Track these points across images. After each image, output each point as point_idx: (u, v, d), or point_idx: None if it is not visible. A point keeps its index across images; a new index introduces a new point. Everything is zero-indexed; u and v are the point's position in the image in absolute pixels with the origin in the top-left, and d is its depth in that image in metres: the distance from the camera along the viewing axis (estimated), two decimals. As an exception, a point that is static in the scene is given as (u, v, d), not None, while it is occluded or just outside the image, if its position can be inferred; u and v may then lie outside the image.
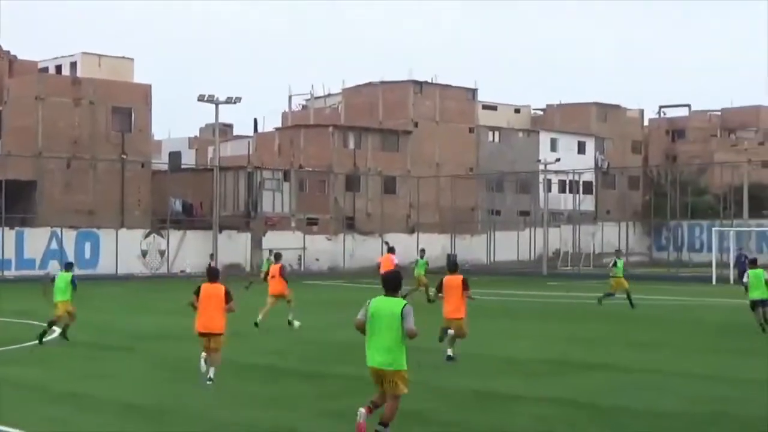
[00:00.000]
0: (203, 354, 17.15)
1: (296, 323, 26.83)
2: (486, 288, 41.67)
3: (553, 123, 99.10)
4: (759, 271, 26.16)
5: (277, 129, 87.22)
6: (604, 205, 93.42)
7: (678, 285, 48.18)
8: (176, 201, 69.08)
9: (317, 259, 69.80)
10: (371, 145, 79.34)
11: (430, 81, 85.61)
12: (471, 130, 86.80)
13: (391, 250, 39.95)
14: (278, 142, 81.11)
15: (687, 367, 19.16)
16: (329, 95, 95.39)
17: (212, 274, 17.85)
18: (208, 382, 16.67)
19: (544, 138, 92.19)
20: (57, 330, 23.85)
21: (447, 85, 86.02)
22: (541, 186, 79.76)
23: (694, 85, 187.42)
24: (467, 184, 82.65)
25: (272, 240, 66.24)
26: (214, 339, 17.10)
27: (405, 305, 12.00)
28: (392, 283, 12.32)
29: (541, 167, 77.75)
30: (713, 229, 65.67)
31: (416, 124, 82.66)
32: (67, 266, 25.17)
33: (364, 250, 67.20)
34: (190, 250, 63.98)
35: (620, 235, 75.19)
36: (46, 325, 23.43)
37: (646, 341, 24.01)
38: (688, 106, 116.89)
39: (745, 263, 56.36)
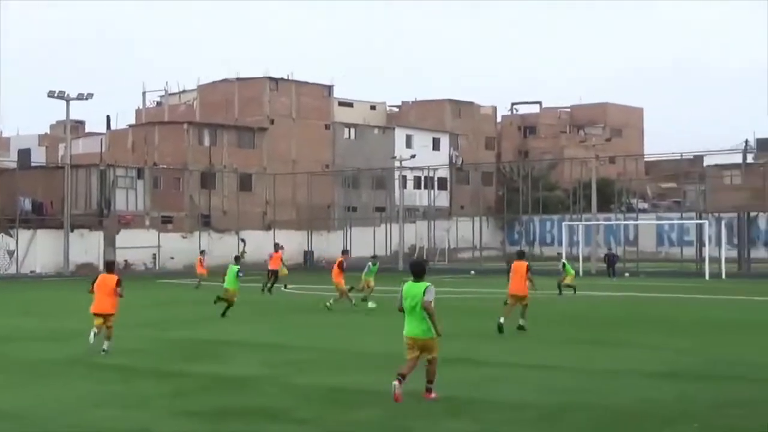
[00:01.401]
0: (94, 329, 20.08)
1: (371, 304, 31.89)
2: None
3: (408, 119, 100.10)
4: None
5: (130, 126, 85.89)
6: (459, 201, 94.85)
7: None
8: (25, 200, 67.36)
9: (172, 258, 69.02)
10: (227, 142, 78.82)
11: (286, 78, 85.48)
12: (327, 127, 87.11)
13: (277, 247, 46.42)
14: (132, 140, 79.96)
15: (540, 359, 19.53)
16: (184, 91, 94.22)
17: (108, 266, 21.50)
18: (102, 353, 19.76)
19: (400, 134, 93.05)
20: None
21: (303, 82, 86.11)
22: (396, 182, 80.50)
23: (544, 82, 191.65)
24: (323, 181, 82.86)
25: (126, 238, 65.35)
26: (106, 318, 20.21)
27: (428, 286, 14.42)
28: (421, 270, 14.82)
29: (397, 163, 78.52)
30: (563, 223, 67.57)
31: (272, 121, 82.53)
32: (236, 259, 31.30)
33: (221, 248, 66.44)
34: (40, 250, 62.65)
35: (474, 230, 76.25)
36: (225, 304, 29.50)
37: (498, 334, 24.35)
38: (539, 103, 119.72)
39: (614, 260, 59.21)
